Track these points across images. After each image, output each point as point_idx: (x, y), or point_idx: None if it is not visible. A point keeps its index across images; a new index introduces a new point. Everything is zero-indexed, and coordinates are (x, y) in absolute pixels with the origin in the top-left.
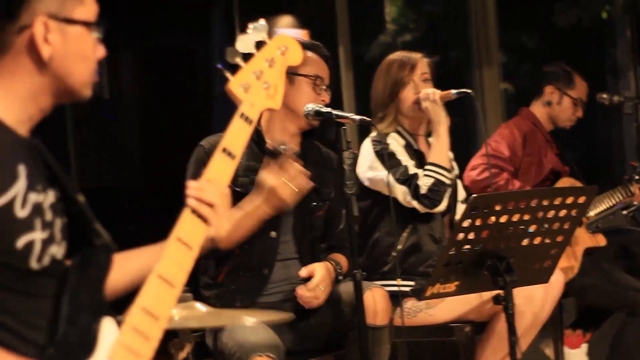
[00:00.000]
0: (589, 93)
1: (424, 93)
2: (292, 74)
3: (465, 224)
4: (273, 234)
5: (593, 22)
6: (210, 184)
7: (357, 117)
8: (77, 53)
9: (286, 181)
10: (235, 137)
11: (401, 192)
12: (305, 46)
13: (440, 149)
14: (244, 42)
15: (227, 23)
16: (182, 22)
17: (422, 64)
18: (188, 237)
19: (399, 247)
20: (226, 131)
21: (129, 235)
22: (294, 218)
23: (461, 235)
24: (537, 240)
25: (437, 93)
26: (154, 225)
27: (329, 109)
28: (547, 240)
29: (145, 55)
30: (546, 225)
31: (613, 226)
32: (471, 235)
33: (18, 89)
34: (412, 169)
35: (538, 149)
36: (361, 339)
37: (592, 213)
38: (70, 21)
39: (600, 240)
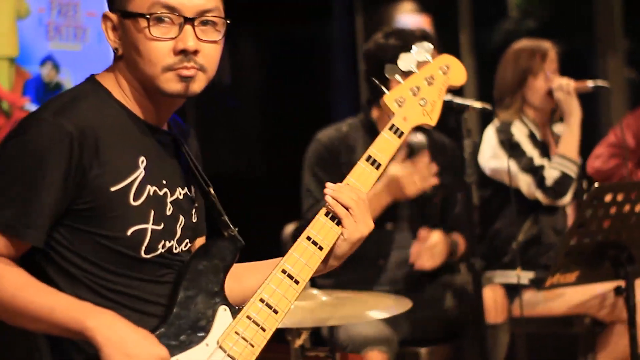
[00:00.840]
0: None
1: (557, 83)
2: None
3: (587, 213)
4: (389, 226)
5: None
6: (350, 188)
7: (478, 105)
8: (137, 49)
9: (412, 174)
10: (383, 147)
11: (525, 183)
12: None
13: (570, 142)
14: (405, 61)
15: (348, 10)
16: (304, 10)
17: (552, 53)
18: (319, 237)
19: (520, 237)
20: (375, 141)
21: (250, 222)
22: (410, 207)
23: (582, 226)
24: None
25: (572, 84)
26: (275, 213)
27: (450, 97)
28: None
29: (267, 43)
30: None
31: None
32: (592, 226)
33: (126, 79)
34: (538, 160)
35: None
36: (480, 335)
37: None
38: (124, 14)
39: None
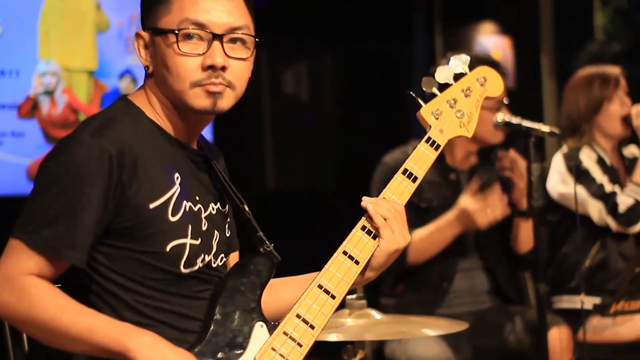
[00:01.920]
0: None
1: (637, 110)
2: None
3: None
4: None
5: None
6: (386, 201)
7: (547, 129)
8: (166, 65)
9: (484, 207)
10: (420, 160)
11: (596, 209)
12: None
13: None
14: (442, 73)
15: (428, 29)
16: (384, 28)
17: (623, 78)
18: (355, 251)
19: (587, 263)
20: (411, 154)
21: (324, 238)
22: (475, 232)
23: None
24: None
25: None
26: (346, 230)
27: (519, 120)
28: None
29: (346, 60)
30: None
31: None
32: None
33: (153, 91)
34: (608, 186)
35: None
36: None
37: None
38: (154, 31)
39: None
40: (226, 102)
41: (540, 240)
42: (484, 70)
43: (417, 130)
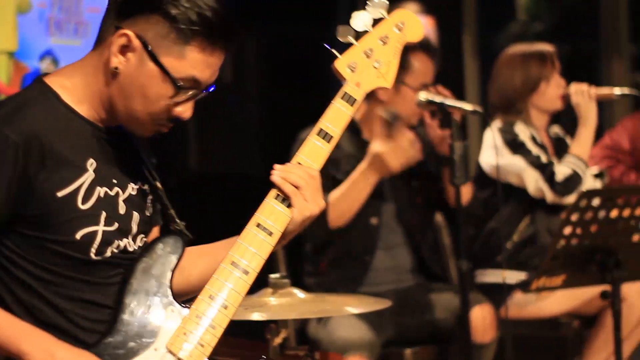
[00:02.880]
0: None
1: (576, 88)
2: (397, 81)
3: (574, 217)
4: (374, 220)
5: None
6: (299, 167)
7: (470, 108)
8: (141, 88)
9: (394, 149)
10: (335, 118)
11: (533, 178)
12: (414, 47)
13: (585, 144)
14: (359, 20)
15: (351, 11)
16: (308, 10)
17: (557, 57)
18: (269, 222)
19: (515, 237)
20: (326, 111)
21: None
22: (397, 201)
23: (569, 229)
24: None
25: (593, 90)
26: None
27: (442, 99)
28: None
29: (271, 42)
30: None
31: None
32: (580, 230)
33: (92, 84)
34: (544, 158)
35: None
36: (465, 354)
37: None
38: (153, 58)
39: None
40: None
41: (462, 219)
42: (402, 15)
43: None
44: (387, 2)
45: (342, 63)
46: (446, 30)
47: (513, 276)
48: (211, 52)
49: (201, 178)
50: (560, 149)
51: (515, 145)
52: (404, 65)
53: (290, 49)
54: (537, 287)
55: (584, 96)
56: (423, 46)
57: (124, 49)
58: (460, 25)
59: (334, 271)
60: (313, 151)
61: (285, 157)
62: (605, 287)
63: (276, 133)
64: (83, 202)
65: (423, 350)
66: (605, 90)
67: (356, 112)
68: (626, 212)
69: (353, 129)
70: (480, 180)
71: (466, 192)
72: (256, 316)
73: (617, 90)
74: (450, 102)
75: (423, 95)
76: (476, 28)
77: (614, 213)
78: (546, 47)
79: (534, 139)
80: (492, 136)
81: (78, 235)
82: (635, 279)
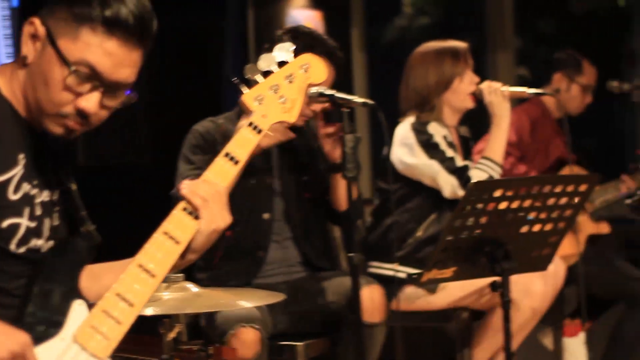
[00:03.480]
0: (602, 80)
1: (489, 86)
2: None
3: (464, 210)
4: (266, 215)
5: (609, 9)
6: (207, 183)
7: (361, 100)
8: (43, 75)
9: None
10: (242, 144)
11: (449, 182)
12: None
13: (499, 145)
14: (266, 61)
15: (241, 4)
16: (197, 2)
17: (470, 53)
18: (176, 232)
19: (419, 234)
20: (234, 137)
21: (135, 213)
22: (285, 197)
23: (459, 221)
24: (536, 228)
25: (504, 88)
26: (160, 204)
27: (332, 92)
28: (547, 228)
29: (158, 34)
30: (546, 213)
31: (616, 214)
32: (470, 222)
33: (20, 78)
34: (459, 161)
35: (546, 136)
36: (356, 334)
37: (597, 201)
38: (51, 40)
39: (603, 228)
40: (77, 134)
41: (353, 212)
42: (307, 58)
43: (228, 105)
44: (294, 46)
45: (249, 96)
46: (334, 24)
47: (406, 271)
48: (108, 37)
49: (89, 172)
50: (467, 149)
51: (429, 147)
52: None
53: (177, 40)
54: (428, 279)
55: (497, 95)
56: (324, 52)
57: (33, 38)
58: (348, 19)
59: (226, 265)
60: (220, 171)
61: (174, 149)
62: (495, 279)
63: (164, 125)
64: (14, 193)
65: (315, 343)
66: (518, 89)
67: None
68: (515, 204)
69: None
70: (385, 173)
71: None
72: (150, 311)
73: (531, 90)
74: (341, 95)
75: (314, 88)
76: (363, 22)
77: (502, 205)
78: (459, 44)
79: (445, 139)
80: (405, 134)
81: (4, 224)
82: (525, 270)
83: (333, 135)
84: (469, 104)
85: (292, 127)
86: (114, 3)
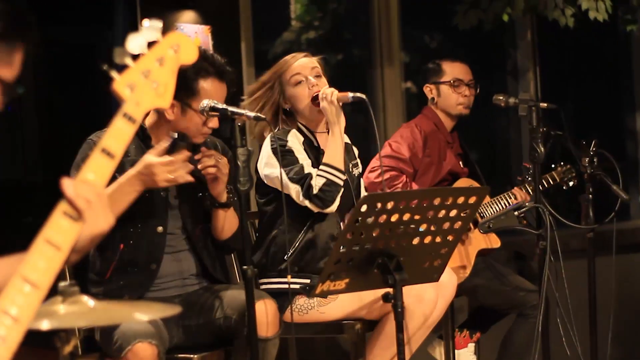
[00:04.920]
0: (489, 94)
1: (322, 92)
2: (184, 104)
3: (356, 222)
4: (160, 229)
5: (494, 24)
6: (88, 183)
7: (252, 114)
8: None
9: (167, 165)
10: (117, 137)
11: (295, 191)
12: (207, 72)
13: (334, 150)
14: (135, 43)
15: (129, 17)
16: (83, 16)
17: (314, 62)
18: (57, 238)
19: (296, 244)
20: (106, 131)
21: (27, 229)
22: (181, 210)
23: (351, 234)
24: (427, 239)
25: (335, 94)
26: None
27: (224, 105)
28: (438, 240)
29: (46, 47)
30: (437, 225)
31: (505, 226)
32: (362, 234)
33: None
34: (308, 168)
35: (438, 150)
36: (251, 349)
37: (487, 213)
38: None
39: (494, 242)
40: None
41: (246, 225)
42: (176, 37)
43: None
44: (161, 25)
45: (120, 83)
46: (223, 38)
47: (296, 282)
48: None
49: None
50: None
51: (282, 153)
52: (192, 90)
53: (66, 53)
54: (321, 291)
55: (327, 100)
56: (214, 71)
57: None
58: (237, 33)
59: (119, 279)
60: (98, 168)
61: (66, 163)
62: (388, 290)
63: (55, 139)
64: None
65: (210, 356)
66: (342, 94)
67: (138, 128)
68: (406, 216)
69: (142, 136)
70: (262, 187)
71: (229, 225)
72: (46, 324)
73: (351, 94)
74: (233, 108)
75: (205, 102)
76: (252, 36)
77: (394, 217)
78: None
79: (310, 144)
80: (266, 144)
81: None
82: (417, 281)
83: (209, 166)
84: (313, 110)
85: (193, 144)
86: None
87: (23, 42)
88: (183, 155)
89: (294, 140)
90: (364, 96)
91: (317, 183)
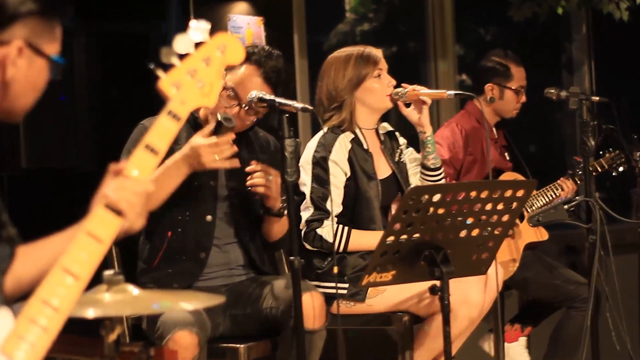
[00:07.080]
0: (541, 87)
1: (415, 92)
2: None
3: (403, 214)
4: (209, 217)
5: (549, 16)
6: (132, 182)
7: (300, 105)
8: (34, 83)
9: (213, 147)
10: (161, 134)
11: (305, 212)
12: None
13: (368, 239)
14: (182, 43)
15: (182, 9)
16: (138, 7)
17: (381, 56)
18: (99, 231)
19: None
20: (152, 127)
21: (81, 218)
22: (230, 202)
23: (398, 225)
24: (475, 232)
25: (426, 91)
26: None
27: (272, 96)
28: (485, 233)
29: (99, 39)
30: (484, 218)
31: (554, 220)
32: (409, 225)
33: None
34: (329, 205)
35: (480, 147)
36: (297, 341)
37: (535, 206)
38: (40, 53)
39: (543, 235)
40: None
41: (294, 217)
42: (223, 38)
43: None
44: (209, 27)
45: (166, 82)
46: (276, 30)
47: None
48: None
49: (32, 174)
50: (394, 143)
51: (318, 167)
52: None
53: (121, 46)
54: (367, 283)
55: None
56: (255, 60)
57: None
58: (290, 25)
59: (167, 267)
60: (141, 163)
61: (115, 152)
62: (434, 282)
63: (110, 130)
64: None
65: (257, 345)
66: (437, 92)
67: (182, 125)
68: (453, 209)
69: (195, 125)
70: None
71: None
72: (91, 313)
73: (450, 92)
74: (281, 99)
75: (254, 93)
76: (305, 28)
77: (442, 209)
78: (370, 48)
79: (360, 146)
80: (312, 144)
81: None
82: (464, 274)
83: (258, 185)
84: (388, 104)
85: (238, 133)
86: None
87: (61, 17)
88: (228, 136)
89: (339, 151)
90: (469, 93)
91: (324, 234)
